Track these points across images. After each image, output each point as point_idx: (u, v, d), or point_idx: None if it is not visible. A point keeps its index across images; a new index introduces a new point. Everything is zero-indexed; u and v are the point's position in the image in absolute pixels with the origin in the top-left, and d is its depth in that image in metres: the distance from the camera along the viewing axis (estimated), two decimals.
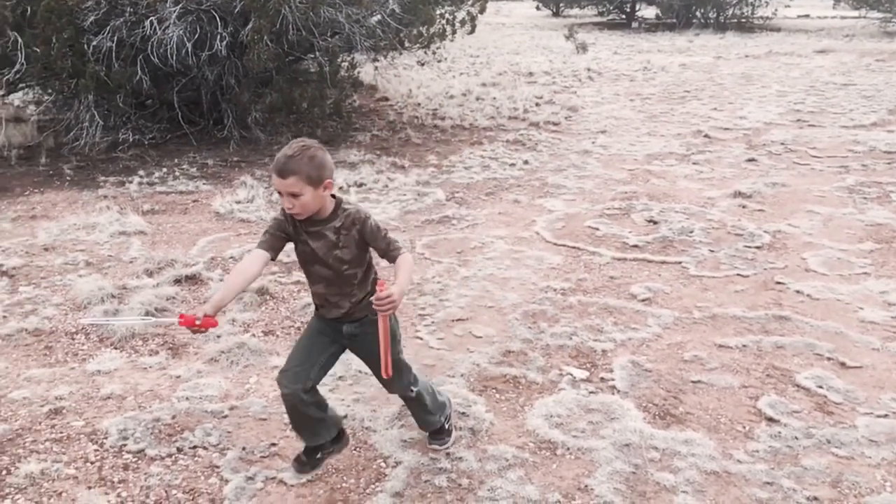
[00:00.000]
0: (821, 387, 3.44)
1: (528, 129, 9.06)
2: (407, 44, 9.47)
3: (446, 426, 3.02)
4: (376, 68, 10.17)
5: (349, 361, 3.66)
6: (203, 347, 3.80)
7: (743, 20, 21.86)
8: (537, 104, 10.49)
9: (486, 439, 3.07)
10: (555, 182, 6.85)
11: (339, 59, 8.73)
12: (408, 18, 8.66)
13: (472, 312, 4.24)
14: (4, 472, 2.86)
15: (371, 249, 2.54)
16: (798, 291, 4.48)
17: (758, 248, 5.18)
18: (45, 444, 3.04)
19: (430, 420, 2.97)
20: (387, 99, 10.84)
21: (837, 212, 5.91)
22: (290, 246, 2.57)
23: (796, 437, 3.07)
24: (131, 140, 7.62)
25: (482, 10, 10.07)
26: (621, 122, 9.52)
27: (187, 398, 3.36)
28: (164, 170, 7.16)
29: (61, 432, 3.12)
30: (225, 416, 3.24)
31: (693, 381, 3.50)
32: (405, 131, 8.80)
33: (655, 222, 5.71)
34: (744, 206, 6.07)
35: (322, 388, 3.40)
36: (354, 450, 3.00)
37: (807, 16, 25.50)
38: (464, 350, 3.81)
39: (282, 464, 2.91)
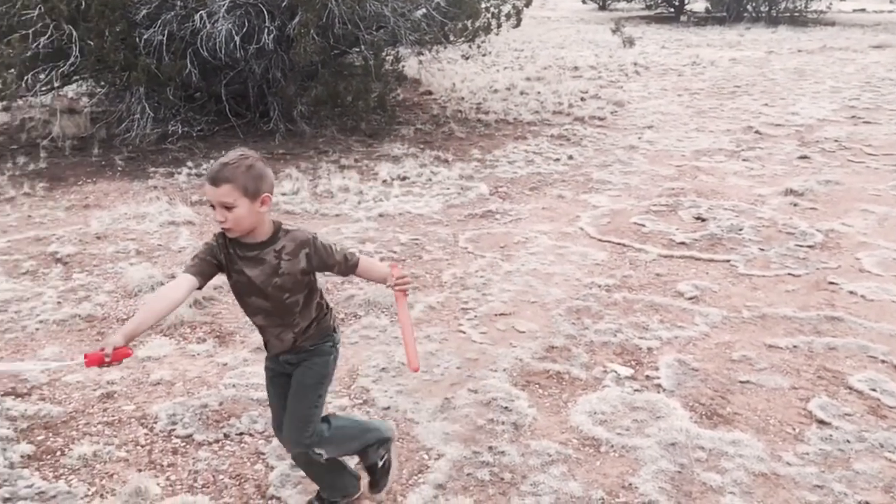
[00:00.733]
0: (874, 390, 3.34)
1: (573, 123, 8.97)
2: (452, 37, 9.46)
3: (379, 463, 2.61)
4: (420, 62, 10.17)
5: (391, 353, 3.69)
6: (249, 336, 3.85)
7: (796, 14, 21.31)
8: (582, 99, 10.38)
9: (529, 434, 3.06)
10: (600, 178, 6.77)
11: (384, 53, 8.78)
12: (453, 12, 8.65)
13: (516, 307, 4.22)
14: (59, 454, 2.95)
15: (316, 274, 2.32)
16: (851, 292, 4.36)
17: (810, 247, 5.06)
18: (97, 427, 3.12)
19: (347, 483, 2.61)
20: (430, 93, 10.83)
21: (893, 211, 5.74)
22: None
23: (848, 441, 2.99)
24: (180, 132, 7.76)
25: (528, 4, 10.01)
26: (668, 117, 9.37)
27: (234, 385, 3.42)
28: (212, 161, 7.26)
29: (113, 416, 3.20)
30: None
31: (741, 381, 3.44)
32: (449, 125, 8.79)
33: (703, 219, 5.60)
34: (795, 205, 5.92)
35: (365, 380, 3.45)
36: (397, 441, 3.01)
37: (863, 10, 24.78)
38: (507, 345, 3.79)
39: None
